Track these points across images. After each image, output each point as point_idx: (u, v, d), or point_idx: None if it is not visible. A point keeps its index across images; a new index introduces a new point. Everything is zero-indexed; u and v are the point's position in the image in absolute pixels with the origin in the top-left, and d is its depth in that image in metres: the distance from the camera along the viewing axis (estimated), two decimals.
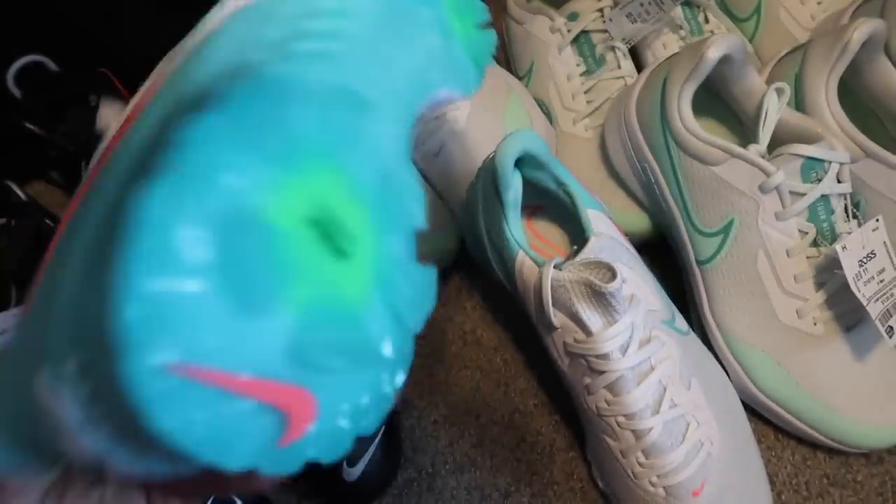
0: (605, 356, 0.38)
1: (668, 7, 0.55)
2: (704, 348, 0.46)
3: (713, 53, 0.44)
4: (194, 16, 0.63)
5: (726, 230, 0.45)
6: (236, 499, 0.42)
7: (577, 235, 0.41)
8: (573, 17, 0.58)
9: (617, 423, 0.40)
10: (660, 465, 0.40)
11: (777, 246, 0.44)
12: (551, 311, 0.39)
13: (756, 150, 0.44)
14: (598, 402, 0.41)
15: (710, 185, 0.45)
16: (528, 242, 0.43)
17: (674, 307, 0.44)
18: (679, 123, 0.46)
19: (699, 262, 0.47)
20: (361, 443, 0.44)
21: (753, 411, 0.48)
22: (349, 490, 0.44)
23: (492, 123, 0.54)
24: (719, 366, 0.46)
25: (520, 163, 0.43)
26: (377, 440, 0.44)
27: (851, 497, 0.46)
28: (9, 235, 0.50)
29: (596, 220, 0.41)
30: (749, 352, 0.46)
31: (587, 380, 0.40)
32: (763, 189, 0.43)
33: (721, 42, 0.44)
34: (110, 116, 0.54)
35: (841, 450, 0.46)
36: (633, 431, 0.40)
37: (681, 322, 0.43)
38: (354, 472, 0.43)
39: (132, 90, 0.60)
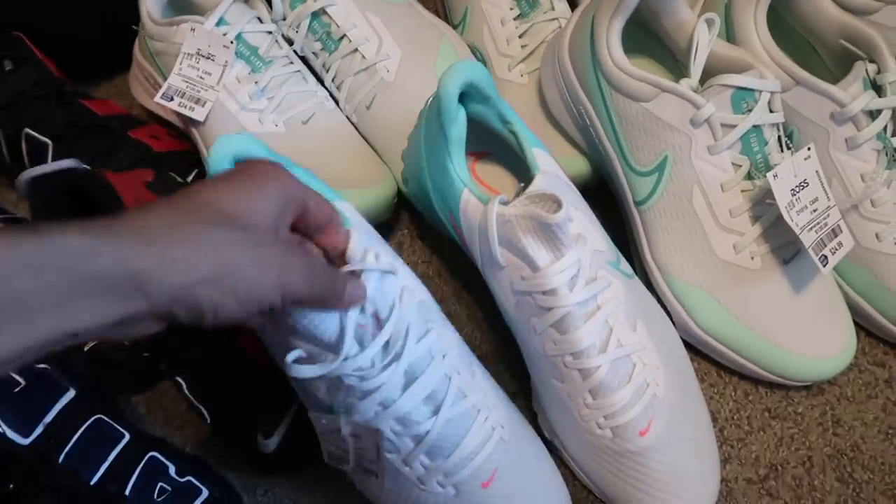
0: (552, 292, 0.37)
1: None
2: (648, 293, 0.45)
3: None
4: None
5: (661, 168, 0.44)
6: (169, 464, 0.41)
7: (523, 180, 0.40)
8: None
9: (564, 362, 0.39)
10: (607, 405, 0.39)
11: (711, 181, 0.43)
12: (497, 249, 0.38)
13: (687, 84, 0.43)
14: (545, 343, 0.40)
15: (643, 122, 0.44)
16: (473, 183, 0.41)
17: (618, 250, 0.43)
18: (609, 61, 0.44)
19: (637, 203, 0.47)
20: (275, 414, 0.43)
21: (696, 350, 0.48)
22: (269, 462, 0.43)
23: (423, 72, 0.52)
24: (662, 310, 0.46)
25: (464, 98, 0.41)
26: (292, 410, 0.43)
27: (792, 428, 0.46)
28: None
29: (541, 158, 0.40)
30: (688, 290, 0.45)
31: (534, 320, 0.39)
32: (694, 122, 0.42)
33: None
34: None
35: (782, 383, 0.46)
36: (580, 371, 0.39)
37: (625, 265, 0.42)
38: (271, 444, 0.42)
39: (48, 54, 0.57)
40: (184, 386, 0.42)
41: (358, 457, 0.37)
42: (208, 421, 0.43)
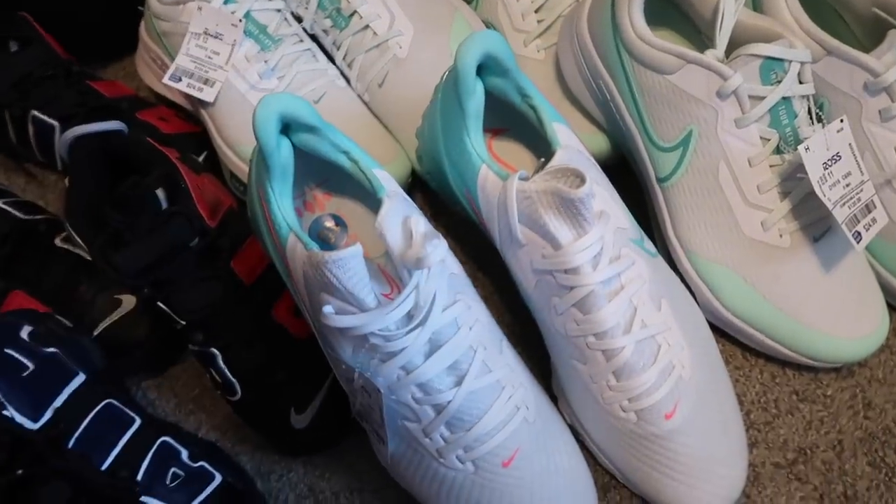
0: (574, 270, 0.36)
1: None
2: (672, 272, 0.43)
3: None
4: None
5: (685, 143, 0.43)
6: (181, 448, 0.40)
7: (541, 156, 0.38)
8: None
9: (587, 343, 0.38)
10: (631, 388, 0.38)
11: (738, 155, 0.41)
12: (517, 226, 0.36)
13: (713, 55, 0.41)
14: (566, 323, 0.38)
15: (666, 95, 0.42)
16: (490, 159, 0.40)
17: (641, 229, 0.41)
18: (631, 32, 0.43)
19: (660, 180, 0.45)
20: (308, 389, 0.42)
21: (721, 331, 0.46)
22: (298, 438, 0.42)
23: (437, 49, 0.51)
24: (687, 290, 0.44)
25: (482, 71, 0.40)
26: (325, 386, 0.42)
27: (822, 412, 0.44)
28: None
29: (562, 132, 0.38)
30: (714, 269, 0.44)
31: (555, 299, 0.37)
32: (721, 95, 0.40)
33: None
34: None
35: (811, 365, 0.44)
36: (604, 352, 0.38)
37: (649, 244, 0.41)
38: (303, 420, 0.41)
39: (54, 34, 0.56)
40: (219, 357, 0.41)
41: (368, 416, 0.37)
42: (238, 395, 0.42)
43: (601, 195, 0.38)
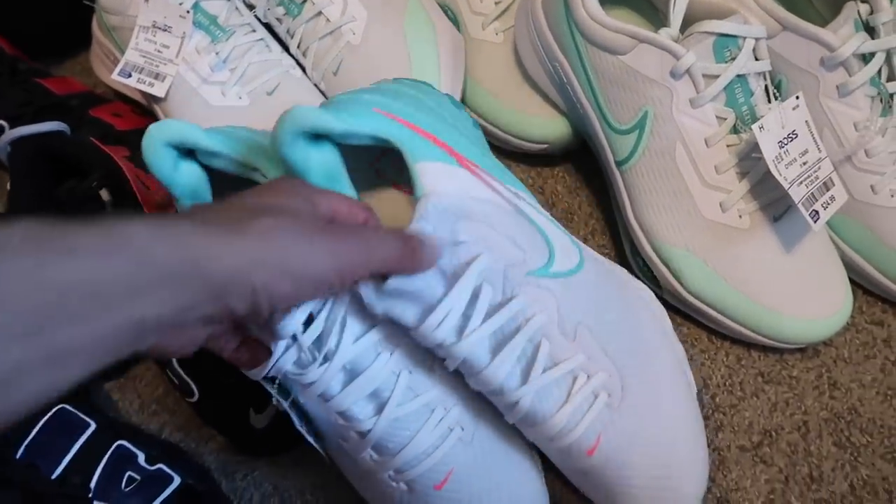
0: (438, 345, 0.32)
1: None
2: (603, 277, 0.38)
3: None
4: None
5: (641, 125, 0.42)
6: (138, 452, 0.40)
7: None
8: None
9: (491, 399, 0.35)
10: (544, 433, 0.35)
11: (694, 136, 0.41)
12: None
13: (666, 34, 0.41)
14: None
15: (620, 76, 0.41)
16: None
17: (560, 242, 0.36)
18: (583, 12, 0.42)
19: (618, 164, 0.44)
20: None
21: (684, 314, 0.46)
22: (259, 438, 0.41)
23: (391, 34, 0.50)
24: (632, 293, 0.40)
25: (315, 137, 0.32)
26: None
27: (787, 393, 0.44)
28: None
29: (428, 174, 0.31)
30: (674, 252, 0.43)
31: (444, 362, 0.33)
32: (674, 74, 0.39)
33: None
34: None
35: (776, 346, 0.44)
36: (506, 405, 0.34)
37: (565, 260, 0.35)
38: (262, 420, 0.41)
39: (7, 35, 0.55)
40: (173, 359, 0.40)
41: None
42: (196, 396, 0.41)
43: (479, 233, 0.31)
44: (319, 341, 0.31)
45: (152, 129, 0.32)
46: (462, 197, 0.32)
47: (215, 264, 0.23)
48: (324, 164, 0.31)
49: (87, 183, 0.38)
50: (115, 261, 0.21)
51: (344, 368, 0.32)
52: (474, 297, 0.31)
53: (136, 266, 0.21)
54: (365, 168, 0.40)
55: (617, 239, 0.50)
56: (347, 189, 0.32)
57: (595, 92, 0.43)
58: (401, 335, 0.33)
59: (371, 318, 0.32)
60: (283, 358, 0.31)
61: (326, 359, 0.32)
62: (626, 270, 0.43)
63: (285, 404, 0.34)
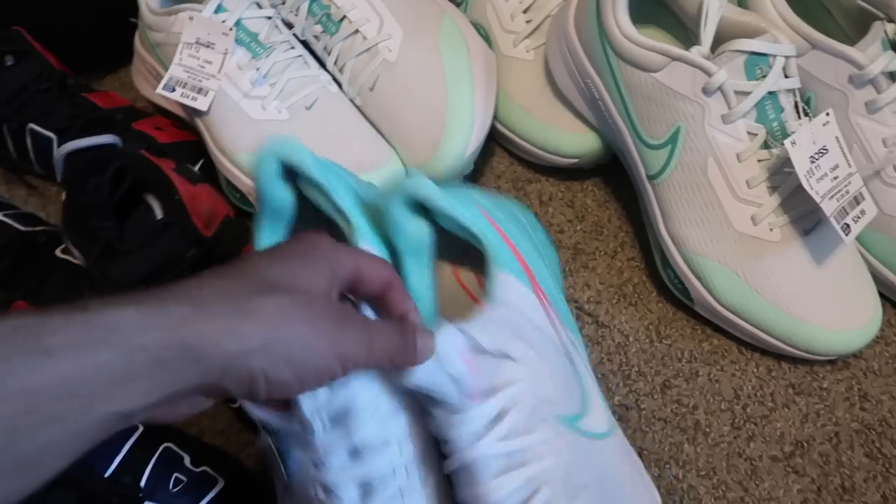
0: (451, 441, 0.31)
1: None
2: (633, 463, 0.38)
3: None
4: None
5: (673, 140, 0.43)
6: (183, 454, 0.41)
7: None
8: None
9: None
10: None
11: (726, 151, 0.42)
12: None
13: (698, 52, 0.42)
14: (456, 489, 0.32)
15: (653, 93, 0.43)
16: (433, 297, 0.35)
17: (596, 403, 0.36)
18: (616, 30, 0.43)
19: (650, 178, 0.45)
20: None
21: (715, 326, 0.47)
22: None
23: (426, 51, 0.51)
24: (645, 490, 0.38)
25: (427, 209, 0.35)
26: None
27: (818, 404, 0.44)
28: None
29: (504, 285, 0.34)
30: (706, 264, 0.44)
31: (444, 462, 0.32)
32: (706, 91, 0.41)
33: None
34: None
35: (806, 358, 0.44)
36: None
37: (596, 422, 0.36)
38: None
39: (50, 49, 0.57)
40: None
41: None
42: (239, 402, 0.42)
43: (527, 360, 0.32)
44: (341, 413, 0.30)
45: (271, 142, 0.33)
46: (524, 318, 0.33)
47: (212, 349, 0.22)
48: (418, 235, 0.34)
49: (141, 193, 0.40)
50: (99, 355, 0.20)
51: (351, 447, 0.31)
52: (500, 415, 0.31)
53: (123, 358, 0.20)
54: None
55: (646, 252, 0.51)
56: (427, 266, 0.34)
57: (627, 108, 0.45)
58: (415, 429, 0.32)
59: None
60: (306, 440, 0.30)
61: (343, 433, 0.30)
62: (645, 472, 0.39)
63: (268, 440, 0.34)
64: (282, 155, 0.33)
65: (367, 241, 0.33)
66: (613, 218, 0.53)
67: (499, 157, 0.57)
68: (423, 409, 0.32)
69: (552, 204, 0.54)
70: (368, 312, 0.31)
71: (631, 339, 0.48)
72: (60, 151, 0.41)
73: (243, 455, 0.47)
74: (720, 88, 0.40)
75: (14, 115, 0.51)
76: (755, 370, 0.46)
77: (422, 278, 0.35)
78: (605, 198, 0.54)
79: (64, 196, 0.40)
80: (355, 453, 0.31)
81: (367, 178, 0.48)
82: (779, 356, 0.46)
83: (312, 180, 0.34)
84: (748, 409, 0.45)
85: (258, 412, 0.31)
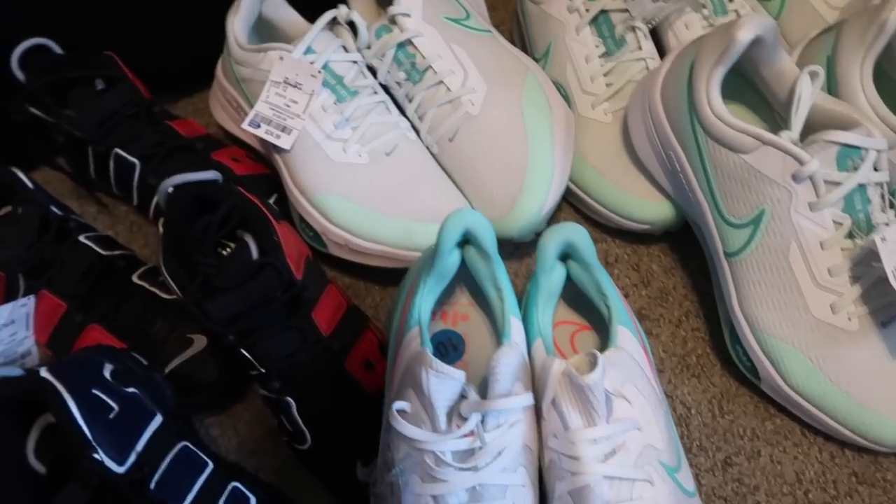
0: (578, 458, 0.34)
1: None
2: None
3: (744, 35, 0.42)
4: None
5: (756, 221, 0.43)
6: (250, 496, 0.41)
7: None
8: None
9: None
10: None
11: (810, 237, 0.42)
12: (542, 399, 0.36)
13: (788, 137, 0.42)
14: None
15: (740, 173, 0.43)
16: (552, 334, 0.42)
17: (685, 462, 0.39)
18: (707, 109, 0.44)
19: (727, 255, 0.46)
20: (375, 442, 0.43)
21: (779, 405, 0.47)
22: (363, 491, 0.43)
23: (509, 108, 0.52)
24: None
25: (569, 257, 0.42)
26: None
27: (881, 496, 0.44)
28: (15, 224, 0.49)
29: (624, 337, 0.39)
30: (779, 346, 0.44)
31: (557, 483, 0.35)
32: (796, 178, 0.41)
33: (752, 23, 0.42)
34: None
35: (872, 448, 0.44)
36: None
37: (687, 479, 0.38)
38: (368, 474, 0.42)
39: (143, 76, 0.58)
40: (293, 407, 0.42)
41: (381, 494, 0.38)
42: (307, 445, 0.43)
43: (640, 405, 0.36)
44: (477, 452, 0.34)
45: (462, 212, 0.38)
46: (637, 367, 0.37)
47: None
48: (557, 279, 0.42)
49: (239, 232, 0.41)
50: None
51: (473, 488, 0.34)
52: (615, 450, 0.34)
53: None
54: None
55: (711, 324, 0.51)
56: (553, 307, 0.42)
57: (711, 184, 0.45)
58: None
59: (520, 464, 0.35)
60: (429, 443, 0.34)
61: (471, 468, 0.34)
62: None
63: (391, 473, 0.36)
64: (469, 225, 0.38)
65: (517, 317, 0.39)
66: (679, 285, 0.53)
67: (565, 213, 0.57)
68: (555, 428, 0.36)
69: (617, 266, 0.55)
70: None
71: (693, 411, 0.48)
72: (164, 186, 0.42)
73: (299, 496, 0.47)
74: (811, 177, 0.41)
75: (101, 139, 0.52)
76: (818, 455, 0.46)
77: (547, 316, 0.41)
78: (671, 264, 0.54)
79: (161, 228, 0.41)
80: (474, 494, 0.34)
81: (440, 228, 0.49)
82: (842, 442, 0.46)
83: (487, 254, 0.39)
84: (810, 495, 0.44)
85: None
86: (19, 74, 0.54)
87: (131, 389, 0.41)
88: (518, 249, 0.55)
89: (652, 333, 0.51)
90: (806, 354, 0.43)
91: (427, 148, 0.55)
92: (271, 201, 0.55)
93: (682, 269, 0.54)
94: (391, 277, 0.53)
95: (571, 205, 0.57)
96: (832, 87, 0.46)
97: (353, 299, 0.54)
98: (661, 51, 0.56)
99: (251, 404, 0.51)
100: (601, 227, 0.56)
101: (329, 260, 0.54)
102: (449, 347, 0.44)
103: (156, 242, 0.59)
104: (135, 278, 0.49)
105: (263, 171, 0.57)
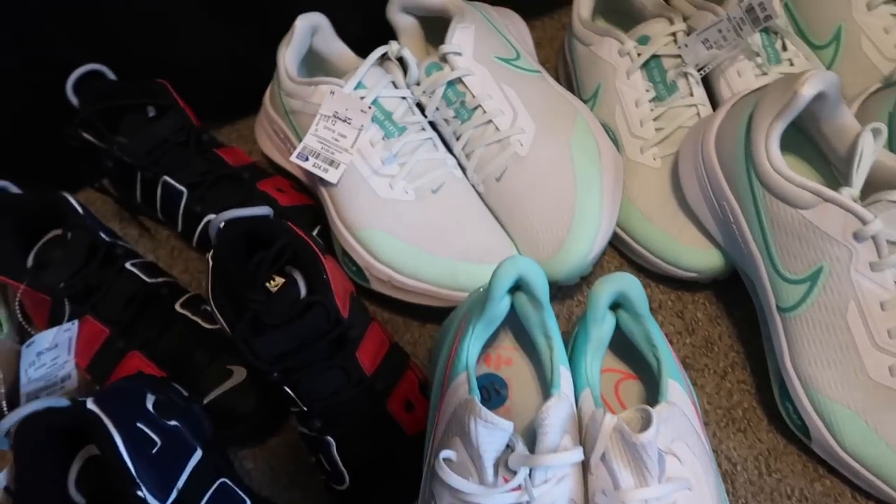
0: None
1: (747, 33, 0.53)
2: None
3: (807, 91, 0.41)
4: (246, 26, 0.62)
5: (814, 278, 0.42)
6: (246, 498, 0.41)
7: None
8: (644, 40, 0.55)
9: None
10: None
11: (870, 298, 0.41)
12: (591, 453, 0.35)
13: (849, 194, 0.41)
14: None
15: (798, 229, 0.42)
16: (600, 386, 0.41)
17: None
18: (766, 163, 0.43)
19: (781, 309, 0.45)
20: (414, 486, 0.42)
21: (829, 466, 0.45)
22: None
23: (557, 150, 0.52)
24: None
25: (616, 308, 0.42)
26: None
27: None
28: (63, 248, 0.49)
29: (674, 390, 0.38)
30: (833, 407, 0.43)
31: None
32: (858, 237, 0.40)
33: (816, 79, 0.41)
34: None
35: None
36: None
37: None
38: None
39: (189, 101, 0.59)
40: (333, 446, 0.42)
41: None
42: (346, 485, 0.42)
43: (691, 465, 0.35)
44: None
45: (515, 259, 0.38)
46: (689, 423, 0.37)
47: None
48: (607, 330, 0.41)
49: (289, 268, 0.41)
50: None
51: None
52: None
53: None
54: None
55: (758, 376, 0.50)
56: (601, 358, 0.41)
57: (766, 238, 0.44)
58: None
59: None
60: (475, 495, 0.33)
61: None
62: None
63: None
64: (522, 272, 0.37)
65: (566, 367, 0.38)
66: (724, 335, 0.52)
67: (609, 256, 0.57)
68: (604, 485, 0.35)
69: (661, 312, 0.54)
70: None
71: (739, 467, 0.47)
72: (216, 221, 0.42)
73: None
74: (873, 237, 0.40)
75: (151, 166, 0.53)
76: None
77: (596, 366, 0.41)
78: (717, 313, 0.53)
79: (210, 261, 0.41)
80: None
81: (484, 270, 0.49)
82: None
83: (539, 302, 0.39)
84: None
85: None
86: (74, 99, 0.55)
87: (173, 422, 0.41)
88: (560, 291, 0.55)
89: (696, 384, 0.50)
90: (862, 417, 0.42)
91: (473, 186, 0.55)
92: (315, 233, 0.55)
93: (728, 318, 0.53)
94: (431, 314, 0.53)
95: (617, 249, 0.56)
96: (893, 145, 0.45)
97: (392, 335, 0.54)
98: (712, 97, 0.56)
99: (287, 438, 0.50)
100: (645, 272, 0.55)
101: (369, 294, 0.54)
102: (492, 392, 0.43)
103: (196, 268, 0.59)
104: (177, 307, 0.49)
105: (307, 202, 0.57)
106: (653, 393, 0.42)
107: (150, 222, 0.62)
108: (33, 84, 0.55)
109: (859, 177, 0.42)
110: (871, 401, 0.42)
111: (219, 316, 0.41)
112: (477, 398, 0.36)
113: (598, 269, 0.56)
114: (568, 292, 0.55)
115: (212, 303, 0.41)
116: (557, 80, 0.66)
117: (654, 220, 0.52)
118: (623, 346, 0.43)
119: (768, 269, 0.45)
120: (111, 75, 0.57)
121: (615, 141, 0.55)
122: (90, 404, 0.37)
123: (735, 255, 0.48)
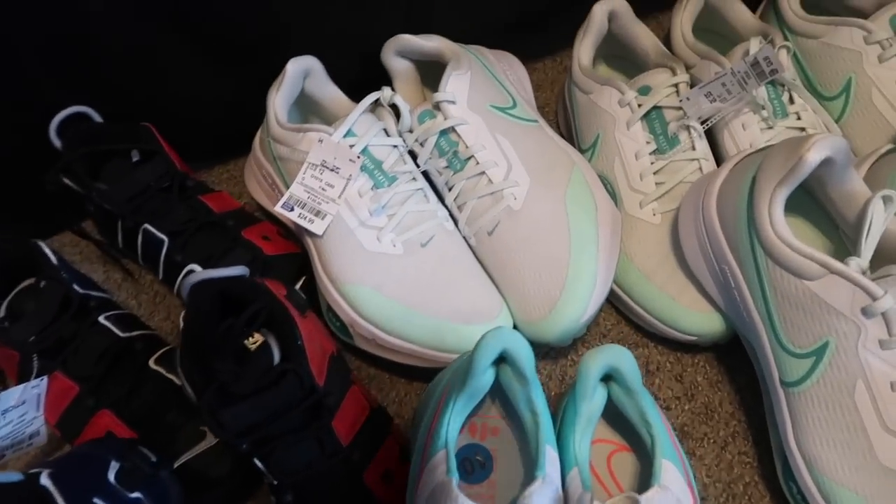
0: None
1: (752, 87, 0.51)
2: None
3: (814, 157, 0.39)
4: (238, 69, 0.60)
5: (819, 353, 0.40)
6: None
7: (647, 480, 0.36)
8: (645, 90, 0.53)
9: None
10: None
11: (880, 377, 0.38)
12: None
13: (857, 266, 0.39)
14: None
15: (803, 301, 0.40)
16: (589, 460, 0.39)
17: None
18: (769, 230, 0.41)
19: (784, 384, 0.42)
20: None
21: None
22: None
23: (552, 204, 0.50)
24: None
25: (608, 379, 0.39)
26: None
27: None
28: (36, 300, 0.48)
29: (668, 472, 0.36)
30: (839, 492, 0.40)
31: None
32: (867, 313, 0.38)
33: (822, 144, 0.39)
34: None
35: None
36: None
37: None
38: None
39: (179, 143, 0.57)
40: None
41: None
42: None
43: None
44: None
45: (497, 330, 0.36)
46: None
47: None
48: (597, 405, 0.39)
49: (262, 334, 0.39)
50: None
51: None
52: None
53: None
54: None
55: (761, 448, 0.47)
56: (591, 435, 0.39)
57: (770, 308, 0.42)
58: None
59: None
60: None
61: None
62: None
63: None
64: (507, 346, 0.36)
65: (552, 447, 0.36)
66: (725, 402, 0.50)
67: (605, 314, 0.54)
68: None
69: (659, 375, 0.51)
70: None
71: None
72: (188, 281, 0.40)
73: None
74: (883, 314, 0.37)
75: (131, 214, 0.51)
76: None
77: (585, 443, 0.38)
78: (717, 378, 0.51)
79: (182, 322, 0.39)
80: None
81: (473, 331, 0.46)
82: None
83: (524, 377, 0.37)
84: None
85: None
86: (57, 142, 0.53)
87: (135, 494, 0.39)
88: (552, 350, 0.52)
89: (695, 454, 0.48)
90: (869, 502, 0.39)
91: (465, 239, 0.53)
92: (299, 284, 0.53)
93: (729, 383, 0.50)
94: (419, 371, 0.51)
95: (613, 306, 0.54)
96: None
97: (376, 393, 0.52)
98: (716, 150, 0.54)
99: (261, 501, 0.48)
100: (642, 332, 0.53)
101: (354, 350, 0.52)
102: (475, 465, 0.41)
103: (178, 316, 0.57)
104: (151, 363, 0.47)
105: (294, 250, 0.55)
106: (647, 467, 0.39)
107: (133, 266, 0.60)
108: (17, 125, 0.54)
109: (868, 247, 0.40)
110: (881, 487, 0.39)
111: (186, 384, 0.39)
112: (455, 480, 0.34)
113: (592, 325, 0.54)
114: (562, 351, 0.52)
115: (179, 368, 0.39)
116: (557, 125, 0.65)
117: (653, 279, 0.50)
118: (617, 415, 0.40)
119: (771, 340, 0.42)
120: (97, 117, 0.55)
121: (613, 194, 0.53)
122: (44, 479, 0.35)
123: (736, 321, 0.46)
